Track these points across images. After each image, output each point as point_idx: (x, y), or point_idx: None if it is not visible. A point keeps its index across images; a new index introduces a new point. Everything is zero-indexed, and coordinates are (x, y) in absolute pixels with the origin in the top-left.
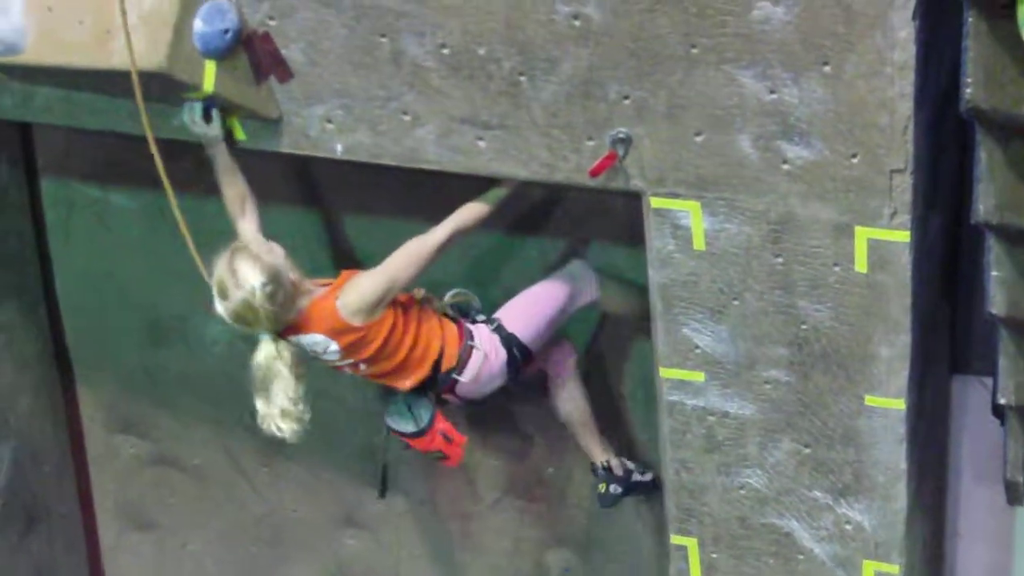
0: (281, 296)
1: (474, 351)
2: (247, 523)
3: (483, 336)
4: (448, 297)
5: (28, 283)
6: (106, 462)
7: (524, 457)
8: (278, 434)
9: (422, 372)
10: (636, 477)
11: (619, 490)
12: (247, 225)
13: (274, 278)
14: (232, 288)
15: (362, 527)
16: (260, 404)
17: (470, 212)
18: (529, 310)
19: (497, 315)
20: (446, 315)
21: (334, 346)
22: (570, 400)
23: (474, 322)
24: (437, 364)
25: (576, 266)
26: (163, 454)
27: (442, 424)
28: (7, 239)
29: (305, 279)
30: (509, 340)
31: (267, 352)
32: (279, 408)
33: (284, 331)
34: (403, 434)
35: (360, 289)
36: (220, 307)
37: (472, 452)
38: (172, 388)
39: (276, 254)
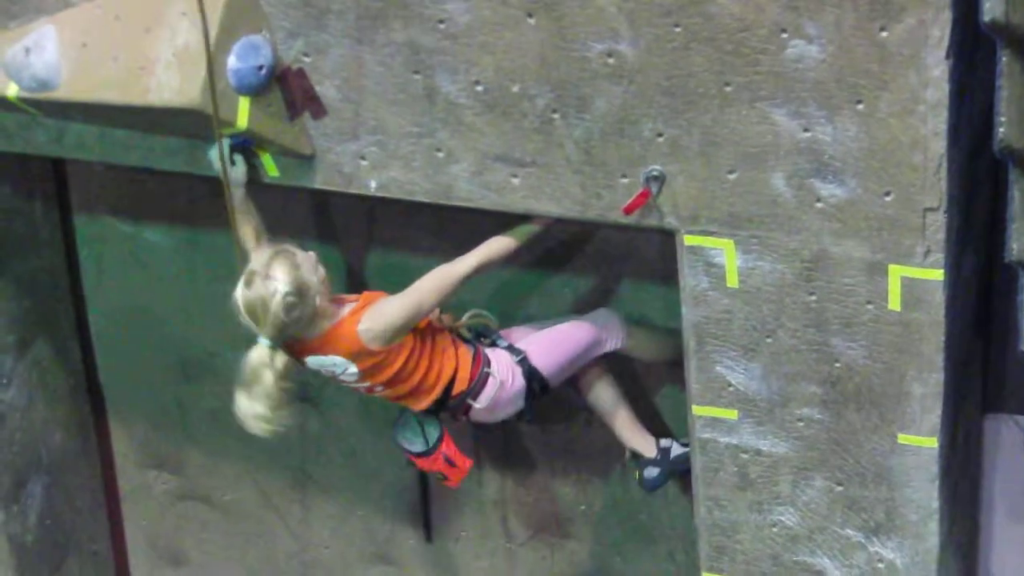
0: (297, 313)
1: (490, 378)
2: (278, 559)
3: (502, 363)
4: (466, 318)
5: (61, 318)
6: (138, 498)
7: (556, 494)
8: (250, 431)
9: (434, 395)
10: (676, 450)
11: (655, 471)
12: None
13: (300, 294)
14: (258, 280)
15: (393, 564)
16: (240, 399)
17: (499, 245)
18: (556, 347)
19: (523, 347)
20: (463, 337)
21: (353, 368)
22: (597, 385)
23: (493, 344)
24: (449, 387)
25: (603, 314)
26: (195, 490)
27: (448, 448)
28: (40, 274)
29: (333, 303)
30: (531, 373)
31: (260, 356)
32: (255, 412)
33: (301, 350)
34: (410, 452)
35: (384, 315)
36: (238, 292)
37: (505, 488)
38: (204, 424)
39: (318, 274)
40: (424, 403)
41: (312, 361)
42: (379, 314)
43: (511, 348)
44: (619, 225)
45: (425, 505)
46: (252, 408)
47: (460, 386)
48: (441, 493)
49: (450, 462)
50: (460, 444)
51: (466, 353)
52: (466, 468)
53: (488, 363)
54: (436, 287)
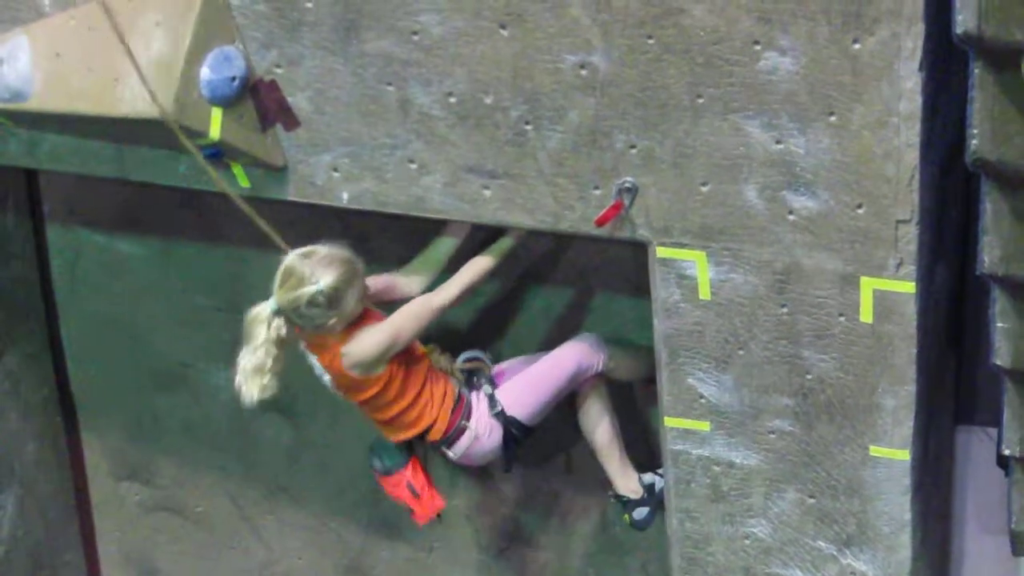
0: (313, 312)
1: (466, 431)
2: (252, 570)
3: (481, 416)
4: (460, 362)
5: (33, 329)
6: (110, 509)
7: (531, 506)
8: (243, 397)
9: (409, 434)
10: (659, 484)
11: (645, 511)
12: None
13: (330, 303)
14: (314, 262)
15: (367, 575)
16: (240, 355)
17: (477, 267)
18: (532, 391)
19: (499, 396)
20: (454, 376)
21: (327, 378)
22: (595, 417)
23: (477, 388)
24: (425, 432)
25: (583, 340)
26: (167, 501)
27: (413, 476)
28: (13, 286)
29: (348, 320)
30: (508, 422)
31: (259, 314)
32: (242, 365)
33: (308, 343)
34: (375, 469)
35: (361, 345)
36: (292, 255)
37: (480, 500)
38: (177, 435)
39: (358, 304)
40: (400, 436)
41: (303, 349)
42: (358, 342)
43: (492, 399)
44: (592, 237)
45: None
46: (242, 360)
47: (434, 436)
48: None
49: (414, 491)
50: (439, 485)
51: (449, 404)
52: (435, 507)
53: (468, 415)
54: (414, 317)
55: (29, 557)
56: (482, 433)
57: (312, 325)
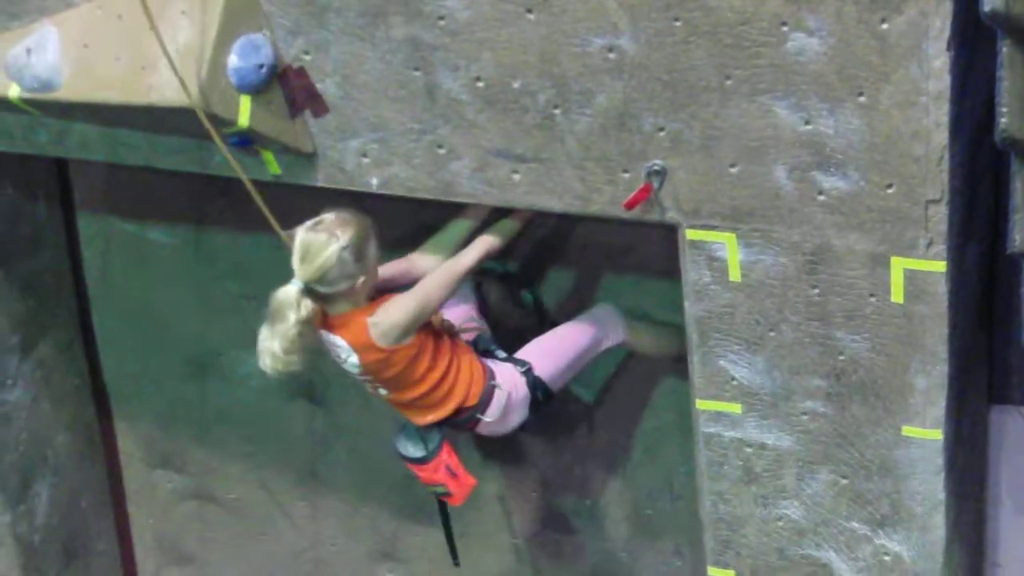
0: (346, 271)
1: (496, 391)
2: (285, 557)
3: (505, 374)
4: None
5: (65, 319)
6: (144, 497)
7: (561, 491)
8: (261, 366)
9: (442, 413)
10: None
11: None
12: None
13: (357, 257)
14: (326, 226)
15: (400, 560)
16: (263, 332)
17: (491, 240)
18: (555, 351)
19: (525, 356)
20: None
21: (355, 359)
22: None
23: (489, 353)
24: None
25: (602, 310)
26: (201, 488)
27: (448, 457)
28: (44, 275)
29: (372, 289)
30: (535, 383)
31: (287, 295)
32: (271, 348)
33: (320, 322)
34: (409, 459)
35: (390, 313)
36: (301, 230)
37: (512, 485)
38: (209, 422)
39: (377, 252)
40: (429, 418)
41: (324, 337)
42: (386, 311)
43: (512, 359)
44: (621, 220)
45: (449, 531)
46: (269, 343)
47: (471, 402)
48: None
49: (452, 472)
50: (465, 461)
51: (478, 372)
52: (469, 484)
53: (493, 375)
54: (442, 283)
55: (63, 546)
56: (511, 390)
57: (341, 290)
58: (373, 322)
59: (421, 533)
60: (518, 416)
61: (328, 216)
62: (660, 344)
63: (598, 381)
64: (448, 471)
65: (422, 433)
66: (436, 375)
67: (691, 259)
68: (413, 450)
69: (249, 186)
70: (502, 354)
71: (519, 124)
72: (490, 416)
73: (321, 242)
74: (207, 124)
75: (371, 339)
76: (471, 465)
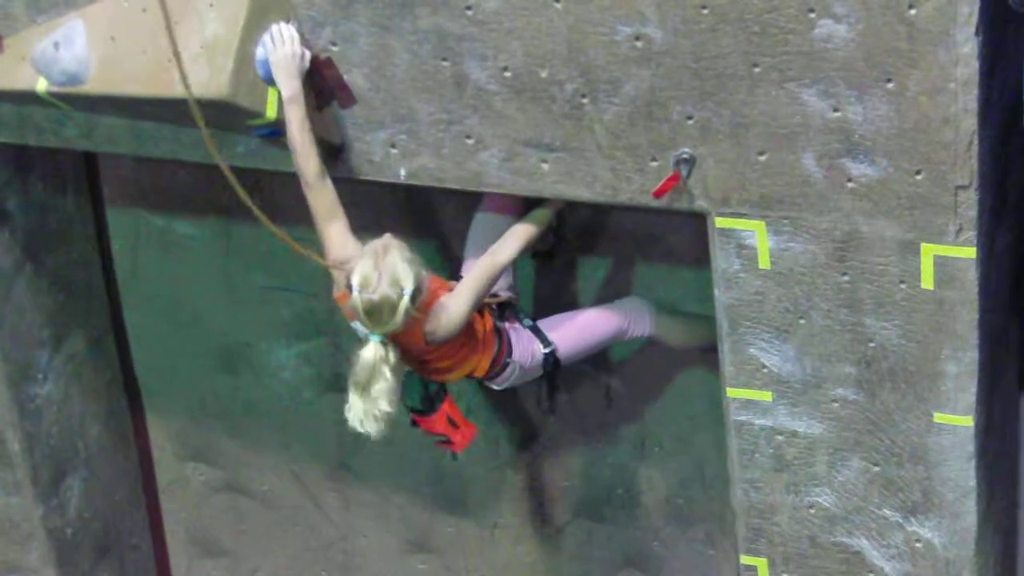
0: (419, 302)
1: (509, 366)
2: (318, 548)
3: (523, 348)
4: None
5: (96, 312)
6: (176, 490)
7: (594, 478)
8: (361, 430)
9: (450, 377)
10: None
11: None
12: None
13: (420, 287)
14: (382, 282)
15: (433, 551)
16: (355, 399)
17: (527, 231)
18: (579, 335)
19: (549, 333)
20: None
21: (393, 354)
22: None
23: (515, 318)
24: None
25: (630, 302)
26: (233, 481)
27: (451, 409)
28: (74, 269)
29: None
30: (551, 357)
31: (377, 353)
32: (380, 411)
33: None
34: (412, 410)
35: (450, 317)
36: (358, 297)
37: (541, 474)
38: (241, 415)
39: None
40: (435, 379)
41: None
42: (444, 314)
43: (537, 330)
44: (650, 209)
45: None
46: (374, 407)
47: (480, 373)
48: (476, 481)
49: (452, 423)
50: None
51: (492, 343)
52: (470, 434)
53: (511, 352)
54: (488, 278)
55: (95, 540)
56: (525, 363)
57: (407, 324)
58: (430, 330)
59: (453, 524)
60: (530, 375)
61: (367, 269)
62: (689, 336)
63: None
64: (449, 422)
65: (427, 385)
66: (464, 352)
67: (720, 247)
68: (421, 403)
69: (233, 181)
70: (528, 322)
71: (547, 113)
72: (499, 384)
73: (392, 301)
74: (196, 114)
75: (423, 343)
76: (497, 453)
